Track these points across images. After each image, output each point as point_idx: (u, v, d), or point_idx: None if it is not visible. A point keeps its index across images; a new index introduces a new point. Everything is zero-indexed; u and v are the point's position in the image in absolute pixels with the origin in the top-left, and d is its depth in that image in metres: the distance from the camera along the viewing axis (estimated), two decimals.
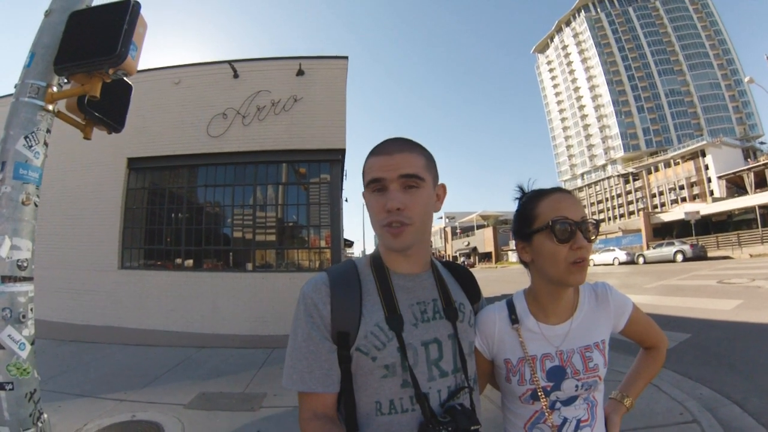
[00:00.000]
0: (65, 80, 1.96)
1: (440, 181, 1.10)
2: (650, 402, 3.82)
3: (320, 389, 0.95)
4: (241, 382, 4.99)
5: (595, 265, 31.64)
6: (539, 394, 1.08)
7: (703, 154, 60.18)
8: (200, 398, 4.47)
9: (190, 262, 7.95)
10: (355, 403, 0.98)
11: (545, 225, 1.05)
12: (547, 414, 1.08)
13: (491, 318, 1.17)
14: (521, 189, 1.21)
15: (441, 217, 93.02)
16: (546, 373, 1.10)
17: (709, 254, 27.19)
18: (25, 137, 1.80)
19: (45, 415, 1.80)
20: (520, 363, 1.12)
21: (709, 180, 58.43)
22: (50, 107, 1.89)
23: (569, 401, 1.10)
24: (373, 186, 0.99)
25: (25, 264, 1.80)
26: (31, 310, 1.82)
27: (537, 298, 1.16)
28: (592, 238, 1.05)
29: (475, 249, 62.79)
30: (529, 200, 1.13)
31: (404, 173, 0.97)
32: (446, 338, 1.02)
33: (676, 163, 65.97)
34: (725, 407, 3.63)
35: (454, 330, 1.04)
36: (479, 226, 65.71)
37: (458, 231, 73.49)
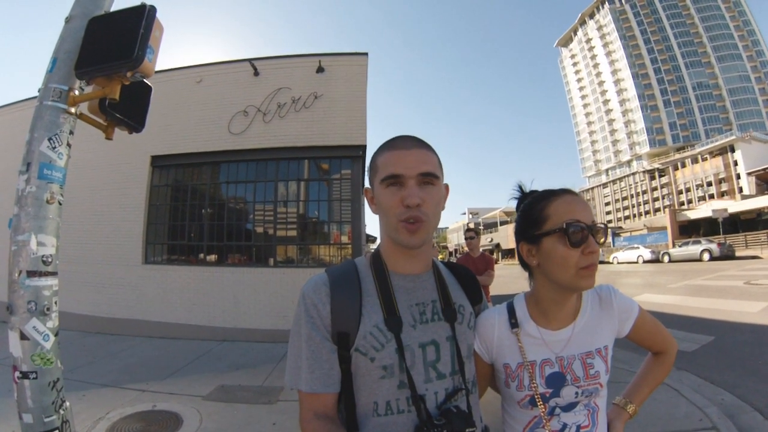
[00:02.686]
0: (86, 83, 2.03)
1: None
2: (669, 407, 3.73)
3: (321, 389, 0.95)
4: (260, 376, 5.08)
5: (618, 263, 31.09)
6: (537, 400, 1.07)
7: (732, 150, 58.31)
8: (219, 390, 4.57)
9: (212, 257, 8.10)
10: (354, 403, 0.98)
11: (558, 228, 1.02)
12: (545, 420, 1.07)
13: (490, 322, 1.16)
14: (521, 188, 1.18)
15: (464, 213, 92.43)
16: (545, 379, 1.08)
17: (737, 253, 26.44)
18: (49, 139, 1.87)
19: (67, 403, 1.88)
20: (519, 368, 1.10)
21: (738, 176, 56.58)
22: (72, 110, 1.96)
23: (569, 407, 1.08)
24: (390, 181, 0.98)
25: (50, 259, 1.87)
26: (55, 303, 1.89)
27: (540, 303, 1.13)
28: (602, 242, 1.03)
29: (498, 245, 62.28)
30: (538, 200, 1.10)
31: (423, 171, 0.98)
32: (444, 340, 1.02)
33: (704, 159, 64.08)
34: (747, 414, 3.52)
35: (453, 332, 1.04)
36: (503, 223, 65.06)
37: (482, 227, 72.98)
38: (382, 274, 1.04)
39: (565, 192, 1.08)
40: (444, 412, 0.93)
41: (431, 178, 0.99)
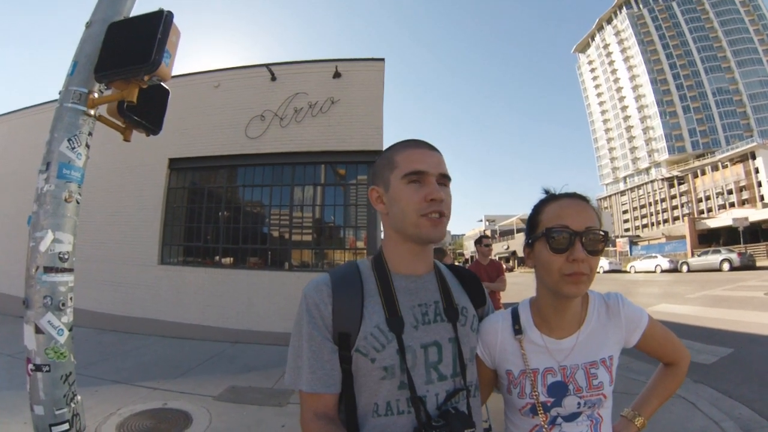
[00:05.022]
0: (105, 86, 2.09)
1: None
2: (684, 420, 3.65)
3: (322, 389, 0.96)
4: (271, 378, 5.11)
5: (636, 272, 30.57)
6: (538, 409, 1.05)
7: (753, 157, 57.06)
8: (230, 391, 4.61)
9: (227, 259, 8.18)
10: (355, 404, 0.99)
11: (542, 232, 1.02)
12: (545, 429, 1.05)
13: (494, 327, 1.14)
14: (546, 192, 1.16)
15: (480, 220, 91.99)
16: (547, 388, 1.06)
17: (758, 263, 25.78)
18: (69, 140, 1.94)
19: (78, 397, 1.93)
20: (522, 375, 1.08)
21: (760, 184, 55.38)
22: (92, 112, 2.02)
23: (571, 417, 1.05)
24: (412, 177, 1.00)
25: (66, 256, 1.93)
26: (71, 299, 1.95)
27: (541, 310, 1.11)
28: (596, 250, 0.98)
29: (514, 253, 61.70)
30: (539, 205, 1.10)
31: (443, 172, 1.03)
32: (446, 341, 1.02)
33: (724, 166, 62.82)
34: (764, 429, 3.43)
35: (455, 333, 1.03)
36: (519, 230, 64.47)
37: (497, 235, 72.44)
38: (384, 275, 1.05)
39: (564, 196, 1.07)
40: (443, 413, 0.93)
41: (447, 179, 1.04)
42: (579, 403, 1.04)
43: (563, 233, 0.99)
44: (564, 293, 1.01)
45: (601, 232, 0.99)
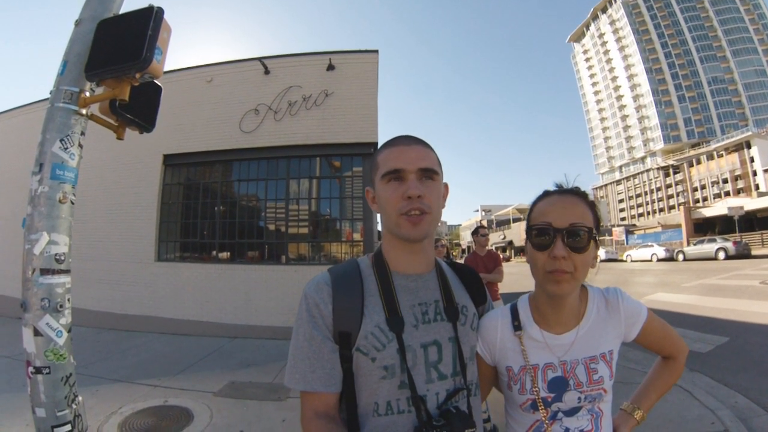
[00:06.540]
0: (96, 85, 2.06)
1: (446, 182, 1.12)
2: (681, 409, 3.68)
3: (322, 389, 0.96)
4: (270, 373, 5.12)
5: (632, 261, 30.74)
6: (539, 404, 1.05)
7: (748, 146, 57.20)
8: (230, 387, 4.63)
9: (224, 254, 8.17)
10: (356, 403, 0.98)
11: (527, 229, 1.04)
12: (546, 425, 1.05)
13: (493, 324, 1.14)
14: (558, 186, 1.15)
15: (477, 210, 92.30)
16: (547, 383, 1.06)
17: (754, 252, 25.85)
18: (61, 140, 1.92)
19: (80, 398, 1.93)
20: (522, 371, 1.09)
21: (755, 173, 55.59)
22: (83, 111, 2.00)
23: (572, 412, 1.06)
24: (390, 176, 0.99)
25: (62, 258, 1.92)
26: (68, 300, 1.94)
27: (538, 305, 1.12)
28: (579, 247, 0.97)
29: (511, 242, 62.00)
30: (533, 202, 1.11)
31: (423, 166, 1.00)
32: (446, 341, 1.02)
33: (720, 155, 62.99)
34: (760, 417, 3.46)
35: (455, 332, 1.03)
36: (515, 220, 64.77)
37: (494, 224, 72.63)
38: (384, 274, 1.04)
39: (554, 192, 1.08)
40: (444, 412, 0.93)
41: (431, 173, 1.01)
42: (579, 398, 1.05)
43: (544, 230, 1.00)
44: (548, 291, 1.02)
45: (585, 229, 0.98)
